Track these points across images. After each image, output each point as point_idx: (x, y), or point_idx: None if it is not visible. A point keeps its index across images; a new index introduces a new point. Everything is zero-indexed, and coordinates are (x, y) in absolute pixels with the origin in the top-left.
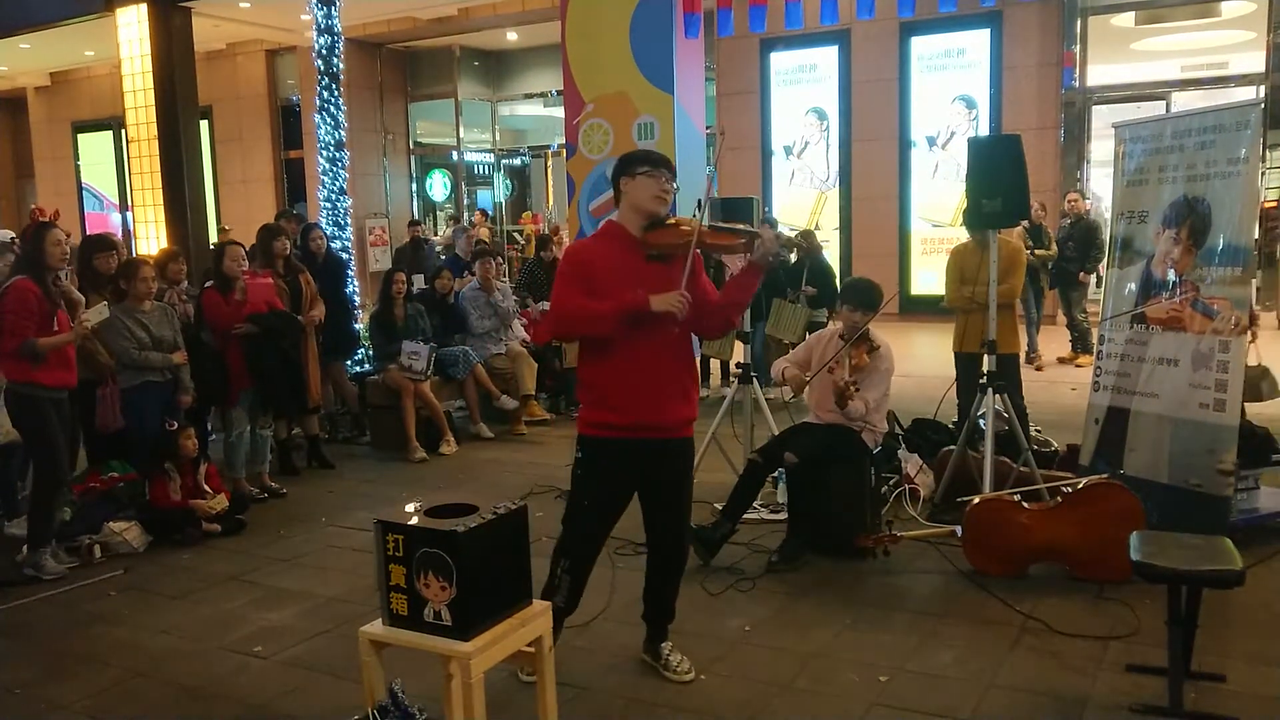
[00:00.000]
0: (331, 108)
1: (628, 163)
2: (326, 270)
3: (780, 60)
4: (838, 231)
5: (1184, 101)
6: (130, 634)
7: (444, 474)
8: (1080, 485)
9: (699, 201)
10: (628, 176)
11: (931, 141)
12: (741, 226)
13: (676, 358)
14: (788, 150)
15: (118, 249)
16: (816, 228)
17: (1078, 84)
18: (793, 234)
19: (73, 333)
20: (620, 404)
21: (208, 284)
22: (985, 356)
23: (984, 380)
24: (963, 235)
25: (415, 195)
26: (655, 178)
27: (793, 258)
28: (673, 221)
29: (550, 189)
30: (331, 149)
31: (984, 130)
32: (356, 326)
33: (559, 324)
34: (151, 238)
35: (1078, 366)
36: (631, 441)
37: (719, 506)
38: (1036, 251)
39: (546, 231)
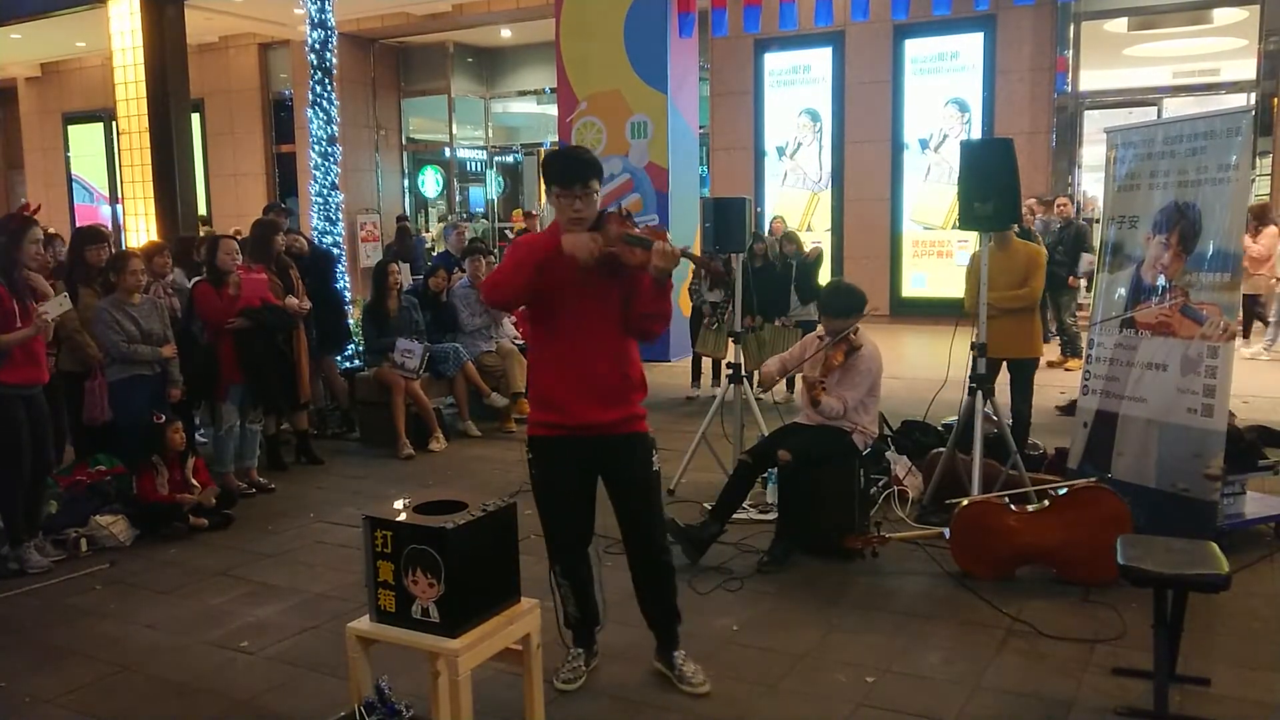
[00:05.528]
0: (324, 102)
1: (546, 175)
2: (313, 265)
3: (774, 61)
4: (829, 233)
5: (1175, 107)
6: (115, 628)
7: (433, 471)
8: (1068, 489)
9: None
10: (549, 192)
11: (924, 144)
12: (645, 238)
13: (611, 356)
14: (780, 151)
15: (109, 241)
16: (808, 229)
17: (1070, 89)
18: (711, 256)
19: (33, 326)
20: (556, 402)
21: (199, 278)
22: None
23: (973, 384)
24: (954, 238)
25: (407, 191)
26: (566, 199)
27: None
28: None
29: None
30: (323, 144)
31: (976, 134)
32: (348, 321)
33: (493, 286)
34: (141, 230)
35: (1067, 370)
36: (572, 440)
37: (708, 506)
38: None
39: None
